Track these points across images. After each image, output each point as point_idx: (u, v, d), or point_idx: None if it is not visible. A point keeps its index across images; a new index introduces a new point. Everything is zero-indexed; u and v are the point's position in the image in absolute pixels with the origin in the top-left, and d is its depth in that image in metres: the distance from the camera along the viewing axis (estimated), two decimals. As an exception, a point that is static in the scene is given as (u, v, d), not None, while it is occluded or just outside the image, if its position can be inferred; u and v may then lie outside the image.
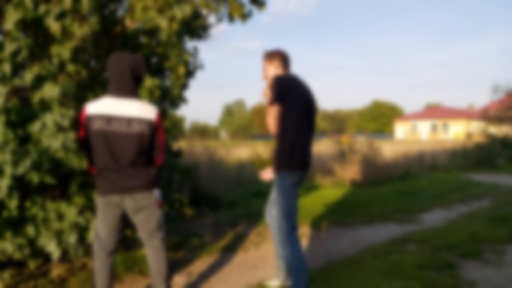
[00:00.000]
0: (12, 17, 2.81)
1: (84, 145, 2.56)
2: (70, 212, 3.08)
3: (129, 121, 2.46)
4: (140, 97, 2.93)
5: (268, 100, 3.00)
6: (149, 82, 3.40)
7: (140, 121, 2.49)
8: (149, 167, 2.60)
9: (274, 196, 3.26)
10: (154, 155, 2.64)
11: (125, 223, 2.69)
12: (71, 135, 2.77)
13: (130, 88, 2.51)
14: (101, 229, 2.58)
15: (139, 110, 2.50)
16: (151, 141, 2.57)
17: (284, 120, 2.92)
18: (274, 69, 3.12)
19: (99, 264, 2.61)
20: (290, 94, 2.92)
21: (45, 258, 3.25)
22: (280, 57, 3.12)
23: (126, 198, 2.51)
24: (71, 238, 3.04)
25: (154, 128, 2.55)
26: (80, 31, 2.94)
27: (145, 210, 2.58)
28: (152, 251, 2.67)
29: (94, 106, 2.48)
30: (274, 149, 3.04)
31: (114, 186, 2.49)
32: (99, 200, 2.56)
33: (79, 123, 2.55)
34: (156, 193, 2.62)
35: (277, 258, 3.31)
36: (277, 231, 3.13)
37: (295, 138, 2.93)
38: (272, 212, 3.27)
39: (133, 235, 3.74)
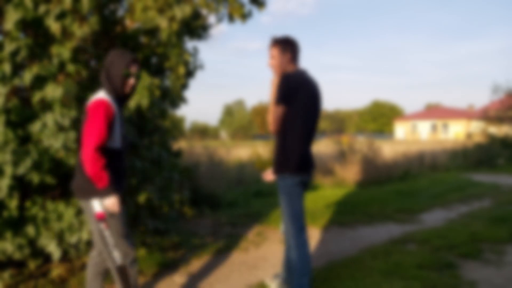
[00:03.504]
0: (12, 17, 2.81)
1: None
2: (68, 213, 3.08)
3: None
4: (136, 95, 3.11)
5: (273, 95, 2.85)
6: (149, 81, 3.39)
7: None
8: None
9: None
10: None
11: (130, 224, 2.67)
12: (72, 135, 2.77)
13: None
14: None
15: None
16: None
17: (286, 121, 2.81)
18: (287, 63, 2.92)
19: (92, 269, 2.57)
20: (297, 95, 2.79)
21: (45, 258, 3.25)
22: (293, 49, 2.92)
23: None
24: (73, 238, 3.03)
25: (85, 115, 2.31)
26: (80, 31, 2.94)
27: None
28: None
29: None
30: (274, 149, 2.95)
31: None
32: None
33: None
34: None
35: (283, 265, 3.15)
36: (286, 234, 2.94)
37: (296, 141, 2.83)
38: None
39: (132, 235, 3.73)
